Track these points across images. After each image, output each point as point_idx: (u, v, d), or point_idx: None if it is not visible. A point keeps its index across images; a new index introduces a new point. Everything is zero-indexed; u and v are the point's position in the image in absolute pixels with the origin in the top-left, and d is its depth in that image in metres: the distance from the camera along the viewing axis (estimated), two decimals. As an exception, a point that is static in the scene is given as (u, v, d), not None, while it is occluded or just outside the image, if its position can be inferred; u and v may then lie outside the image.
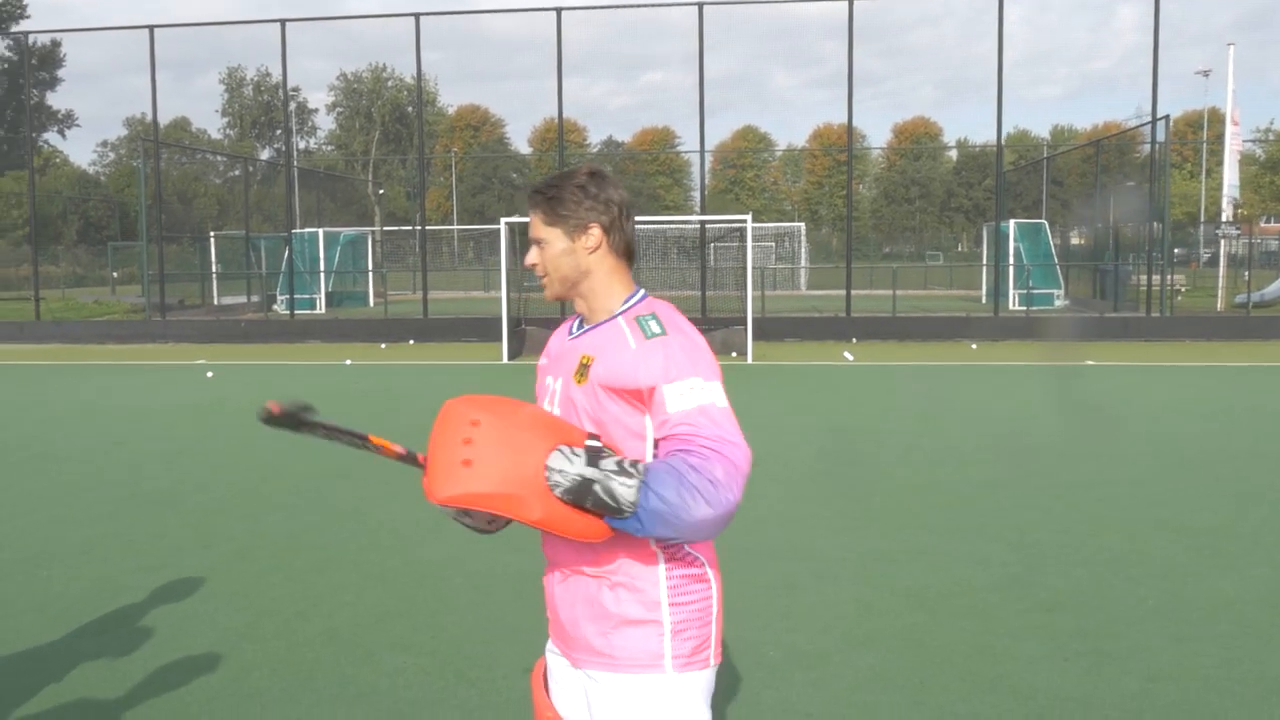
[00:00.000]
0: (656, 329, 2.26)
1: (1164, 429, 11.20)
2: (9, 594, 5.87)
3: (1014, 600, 5.65)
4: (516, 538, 6.73)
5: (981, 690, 4.50)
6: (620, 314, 2.35)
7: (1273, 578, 6.02)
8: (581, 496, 2.12)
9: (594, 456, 2.14)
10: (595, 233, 2.35)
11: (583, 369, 2.31)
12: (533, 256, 2.42)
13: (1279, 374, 16.39)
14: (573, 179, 2.37)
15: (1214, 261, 34.74)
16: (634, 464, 2.15)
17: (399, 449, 2.43)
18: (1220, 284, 28.81)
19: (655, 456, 2.25)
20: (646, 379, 2.21)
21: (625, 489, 2.11)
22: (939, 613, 5.46)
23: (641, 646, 2.28)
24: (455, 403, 2.25)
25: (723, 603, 2.37)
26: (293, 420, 2.28)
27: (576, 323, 2.45)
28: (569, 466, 2.12)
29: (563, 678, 2.47)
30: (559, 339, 2.48)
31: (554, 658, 2.51)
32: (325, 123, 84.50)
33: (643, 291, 2.40)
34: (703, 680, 2.33)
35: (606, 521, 2.16)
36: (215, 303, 31.64)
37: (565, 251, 2.37)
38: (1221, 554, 6.50)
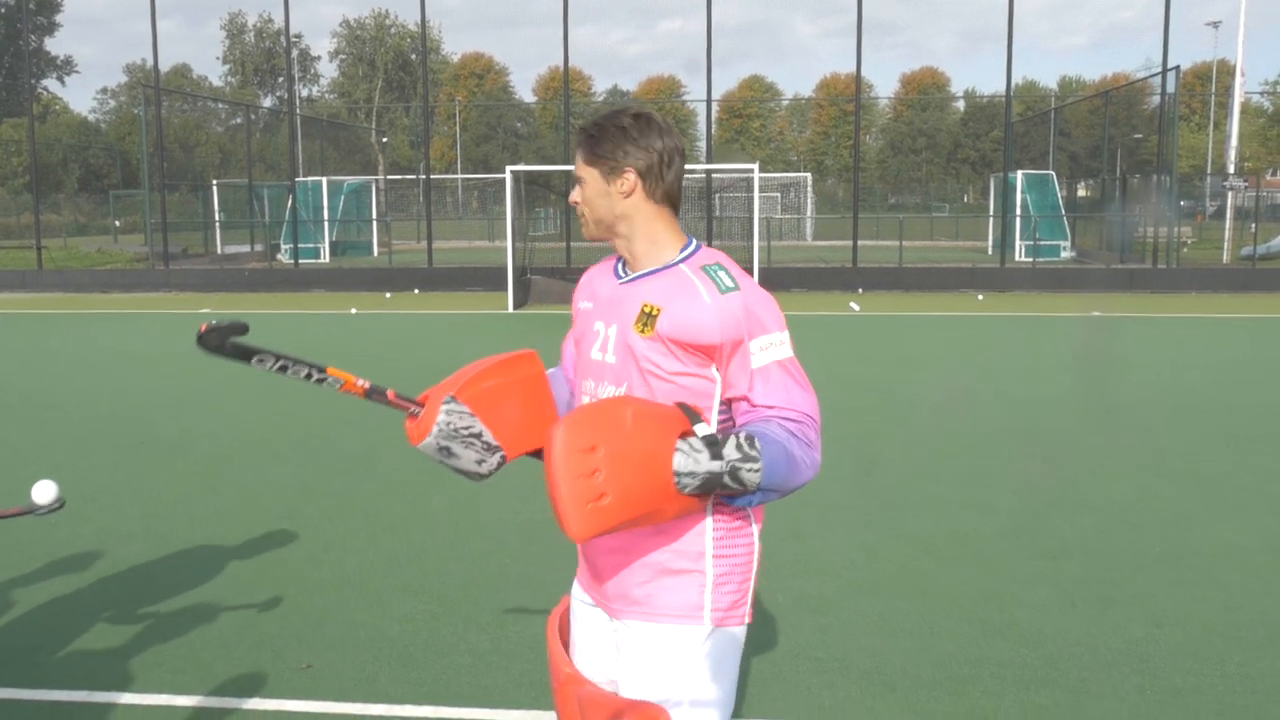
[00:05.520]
0: (730, 282, 2.19)
1: (1169, 379, 11.20)
2: (18, 541, 5.90)
3: (1020, 547, 5.67)
4: (525, 487, 6.77)
5: (990, 635, 4.53)
6: (681, 262, 2.26)
7: (1275, 525, 6.04)
8: (710, 489, 2.09)
9: (714, 447, 2.07)
10: (630, 177, 2.27)
11: (646, 318, 2.23)
12: (575, 194, 2.37)
13: (1285, 326, 16.36)
14: (617, 119, 2.30)
15: (1220, 214, 34.58)
16: (750, 441, 2.09)
17: (361, 385, 2.30)
18: (1226, 236, 28.70)
19: (729, 417, 2.22)
20: (725, 335, 2.15)
21: (752, 474, 2.07)
22: (945, 560, 5.49)
23: (681, 597, 2.23)
24: (565, 431, 2.05)
25: (761, 559, 2.32)
26: (221, 341, 2.14)
27: (620, 264, 2.37)
28: (696, 466, 2.05)
29: (590, 628, 2.43)
30: (606, 282, 2.39)
31: (584, 607, 2.45)
32: (328, 70, 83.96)
33: (695, 241, 2.32)
34: (737, 636, 2.29)
35: (721, 496, 2.15)
36: (219, 251, 31.57)
37: (600, 193, 2.30)
38: (1225, 502, 6.52)
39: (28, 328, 17.04)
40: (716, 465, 2.06)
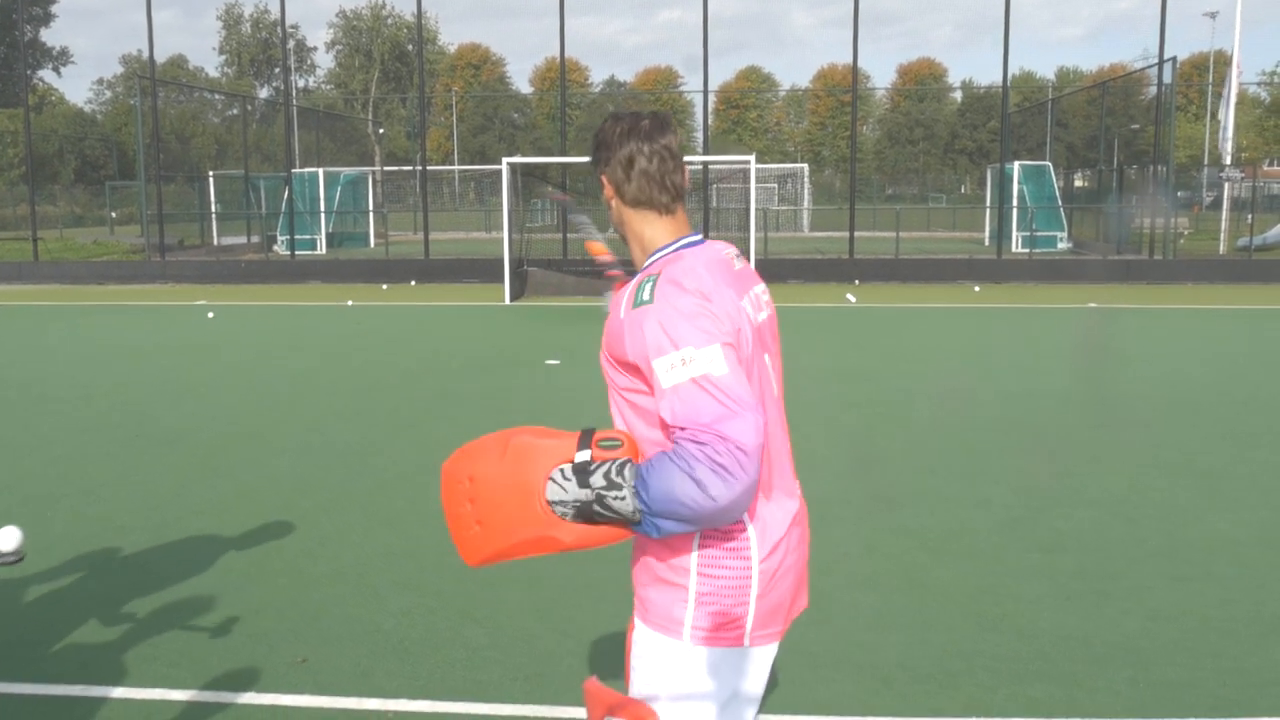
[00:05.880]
0: (646, 295, 2.11)
1: (1165, 372, 11.21)
2: (16, 533, 5.90)
3: (1015, 541, 5.68)
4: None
5: (984, 629, 4.53)
6: (644, 268, 2.25)
7: (1270, 519, 6.06)
8: (589, 518, 2.08)
9: (583, 475, 2.07)
10: (607, 185, 2.30)
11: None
12: None
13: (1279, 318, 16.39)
14: (599, 127, 2.31)
15: (1217, 204, 34.56)
16: (622, 469, 2.05)
17: (604, 260, 2.64)
18: (1223, 227, 28.68)
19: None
20: (633, 352, 2.10)
21: (619, 502, 2.03)
22: (941, 554, 5.49)
23: (665, 608, 2.21)
24: (447, 465, 2.21)
25: (777, 583, 2.23)
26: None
27: None
28: (565, 495, 2.07)
29: None
30: None
31: None
32: (324, 61, 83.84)
33: (683, 241, 2.27)
34: (729, 658, 2.21)
35: (631, 528, 2.10)
36: (215, 243, 31.51)
37: (605, 201, 2.34)
38: (1220, 495, 6.53)
39: (24, 320, 17.01)
40: (584, 494, 2.06)
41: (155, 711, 3.88)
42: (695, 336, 2.05)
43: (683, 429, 2.00)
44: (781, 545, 2.23)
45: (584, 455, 2.09)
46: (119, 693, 4.01)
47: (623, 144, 2.26)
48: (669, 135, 2.28)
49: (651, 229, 2.29)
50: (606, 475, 2.05)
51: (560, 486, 2.07)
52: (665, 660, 2.22)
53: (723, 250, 2.31)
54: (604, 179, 2.30)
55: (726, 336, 2.08)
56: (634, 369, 2.13)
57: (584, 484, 2.06)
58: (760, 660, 2.27)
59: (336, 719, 3.83)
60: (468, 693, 4.01)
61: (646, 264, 2.26)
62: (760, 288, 2.36)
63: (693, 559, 2.18)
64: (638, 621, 2.28)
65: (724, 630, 2.19)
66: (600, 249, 2.80)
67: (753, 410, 2.01)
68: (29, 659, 4.31)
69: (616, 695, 2.27)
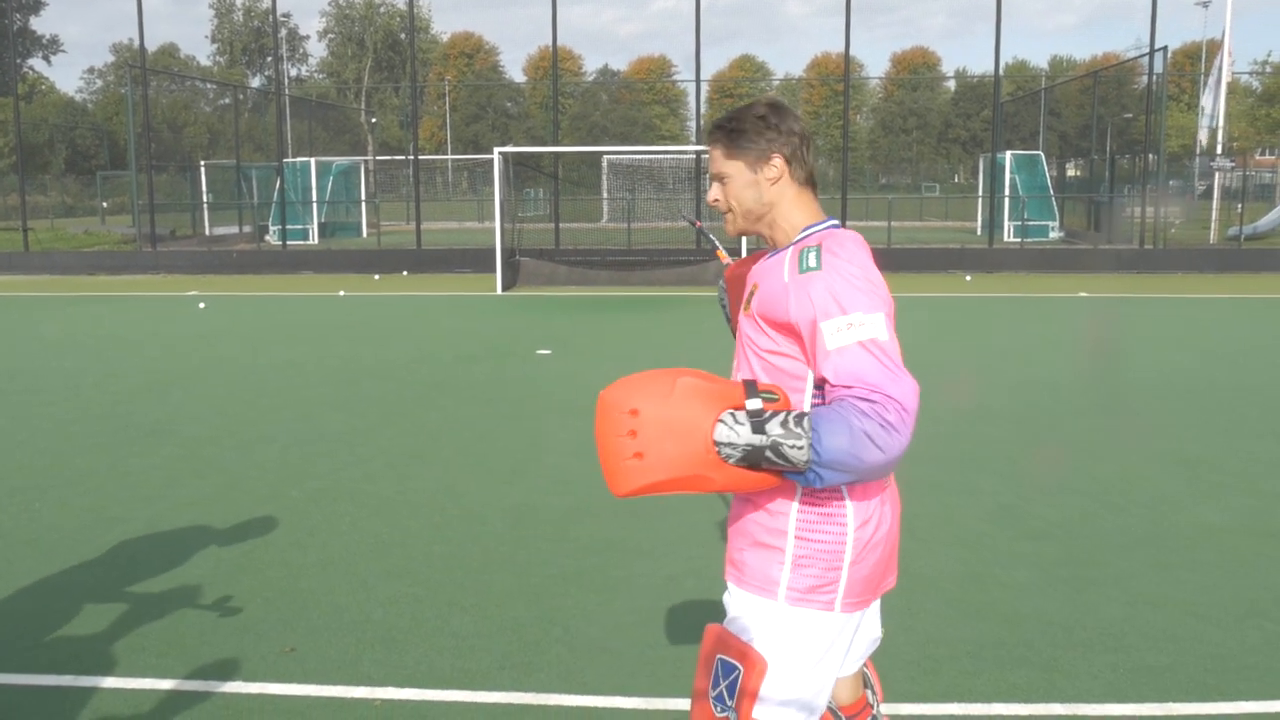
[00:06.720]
0: (813, 262, 2.22)
1: (1155, 361, 11.25)
2: (2, 526, 5.91)
3: (1003, 529, 5.71)
4: (509, 471, 6.79)
5: (969, 616, 4.57)
6: (794, 243, 2.35)
7: (1256, 506, 6.10)
8: (755, 462, 2.13)
9: (758, 421, 2.12)
10: (778, 163, 2.37)
11: (749, 296, 2.36)
12: (715, 193, 2.44)
13: (1269, 307, 16.45)
14: (753, 110, 2.39)
15: (1208, 194, 34.62)
16: (800, 419, 2.11)
17: (723, 255, 3.00)
18: (1214, 216, 28.74)
19: (821, 398, 2.25)
20: (799, 315, 2.21)
21: (795, 450, 2.09)
22: (929, 541, 5.53)
23: (762, 570, 2.34)
24: (610, 393, 2.21)
25: (868, 553, 2.34)
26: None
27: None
28: (736, 438, 2.11)
29: None
30: (757, 264, 2.49)
31: None
32: (317, 50, 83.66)
33: (830, 221, 2.40)
34: (819, 621, 2.33)
35: (785, 475, 2.18)
36: (207, 233, 31.44)
37: (749, 184, 2.39)
38: (1207, 484, 6.57)
39: (14, 310, 16.98)
40: (758, 439, 2.11)
41: (145, 701, 3.90)
42: (863, 303, 2.18)
43: (849, 387, 2.14)
44: (874, 518, 2.35)
45: (756, 403, 2.16)
46: (109, 682, 4.02)
47: (796, 123, 2.39)
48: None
49: (806, 208, 2.41)
50: (784, 424, 2.11)
51: (731, 430, 2.12)
52: (759, 621, 2.34)
53: (857, 234, 2.41)
54: (775, 158, 2.37)
55: (886, 305, 2.23)
56: (789, 330, 2.25)
57: (759, 430, 2.11)
58: (846, 629, 2.38)
59: (324, 707, 3.85)
60: (455, 681, 4.03)
61: (797, 238, 2.36)
62: None
63: (791, 522, 2.31)
64: (731, 586, 2.41)
65: (816, 593, 2.32)
66: (726, 257, 3.00)
67: (909, 375, 2.18)
68: (19, 650, 4.33)
69: (732, 636, 2.38)
